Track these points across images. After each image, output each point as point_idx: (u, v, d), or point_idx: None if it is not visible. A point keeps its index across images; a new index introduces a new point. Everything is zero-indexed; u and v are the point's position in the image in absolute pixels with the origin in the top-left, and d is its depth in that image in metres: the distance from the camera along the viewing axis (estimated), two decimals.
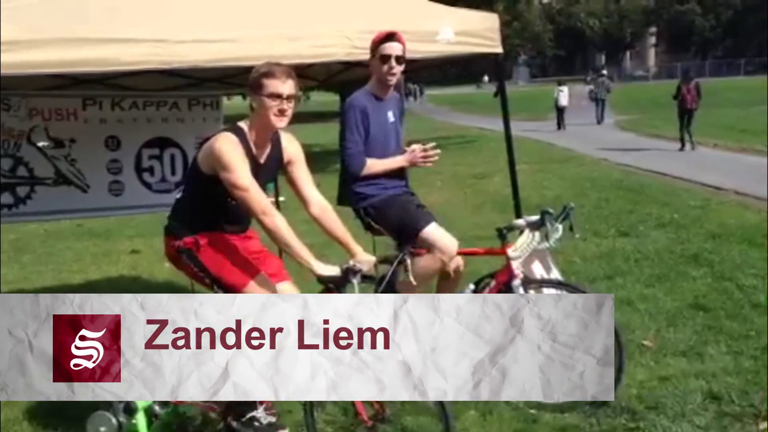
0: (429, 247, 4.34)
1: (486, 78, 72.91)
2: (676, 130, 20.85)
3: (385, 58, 4.33)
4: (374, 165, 4.45)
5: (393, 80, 4.44)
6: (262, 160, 3.67)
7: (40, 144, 5.96)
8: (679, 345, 5.18)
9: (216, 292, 3.65)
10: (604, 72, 36.12)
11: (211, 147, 3.49)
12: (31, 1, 3.86)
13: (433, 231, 4.37)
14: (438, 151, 4.58)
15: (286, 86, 3.52)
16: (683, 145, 19.91)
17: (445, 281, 4.67)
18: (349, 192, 4.56)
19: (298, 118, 3.66)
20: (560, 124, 29.68)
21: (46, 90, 5.79)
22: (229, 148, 3.46)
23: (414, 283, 4.25)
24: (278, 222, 3.41)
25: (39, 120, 5.93)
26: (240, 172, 3.42)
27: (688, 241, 8.52)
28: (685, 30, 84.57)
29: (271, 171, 3.83)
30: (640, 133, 25.61)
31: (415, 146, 4.56)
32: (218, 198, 3.56)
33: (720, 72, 73.78)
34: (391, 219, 4.46)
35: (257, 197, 3.43)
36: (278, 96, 3.49)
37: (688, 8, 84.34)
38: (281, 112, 3.52)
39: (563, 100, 29.65)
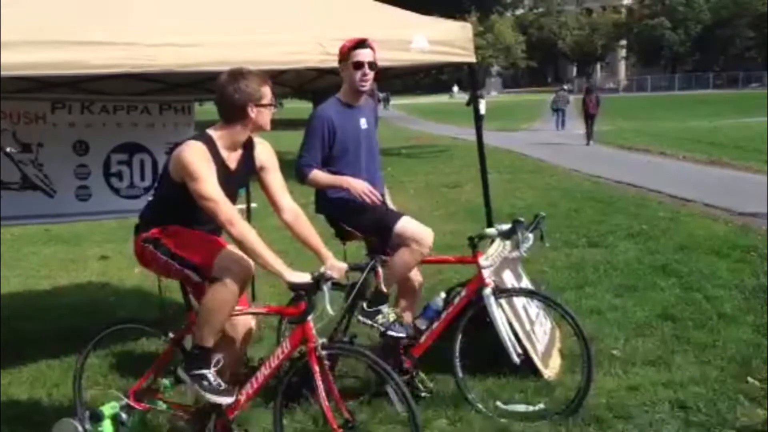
0: (405, 241, 4.32)
1: (456, 87, 73.44)
2: (645, 142, 21.01)
3: (359, 65, 4.32)
4: (317, 177, 4.40)
5: (366, 86, 4.42)
6: (233, 167, 3.63)
7: (8, 149, 5.85)
8: (647, 355, 5.21)
9: (188, 276, 3.58)
10: (565, 87, 42.41)
11: (179, 155, 3.45)
12: None
13: (406, 224, 4.36)
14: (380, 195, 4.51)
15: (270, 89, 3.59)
16: (588, 141, 26.94)
17: (406, 294, 4.70)
18: (322, 198, 4.55)
19: (271, 126, 3.65)
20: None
21: (14, 93, 5.69)
22: (196, 158, 3.41)
23: (385, 291, 4.25)
24: (246, 231, 3.37)
25: (7, 123, 5.82)
26: (206, 183, 3.38)
27: (657, 252, 8.61)
28: (655, 44, 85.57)
29: (242, 178, 3.79)
30: (612, 145, 25.85)
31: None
32: (188, 204, 3.52)
33: (689, 85, 75.12)
34: (363, 221, 4.44)
35: (224, 207, 3.39)
36: (272, 100, 3.58)
37: (658, 22, 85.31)
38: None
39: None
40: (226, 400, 3.58)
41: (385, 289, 4.37)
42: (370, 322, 4.42)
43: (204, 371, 3.58)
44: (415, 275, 4.65)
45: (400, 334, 4.39)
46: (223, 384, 3.60)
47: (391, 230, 4.32)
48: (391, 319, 4.42)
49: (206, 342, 3.58)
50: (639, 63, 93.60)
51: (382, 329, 4.40)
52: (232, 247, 3.55)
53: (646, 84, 78.93)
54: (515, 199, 13.50)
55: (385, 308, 4.42)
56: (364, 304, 4.40)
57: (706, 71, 78.91)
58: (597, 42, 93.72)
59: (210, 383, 3.57)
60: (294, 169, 4.40)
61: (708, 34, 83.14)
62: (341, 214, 4.50)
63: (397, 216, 4.41)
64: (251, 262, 3.50)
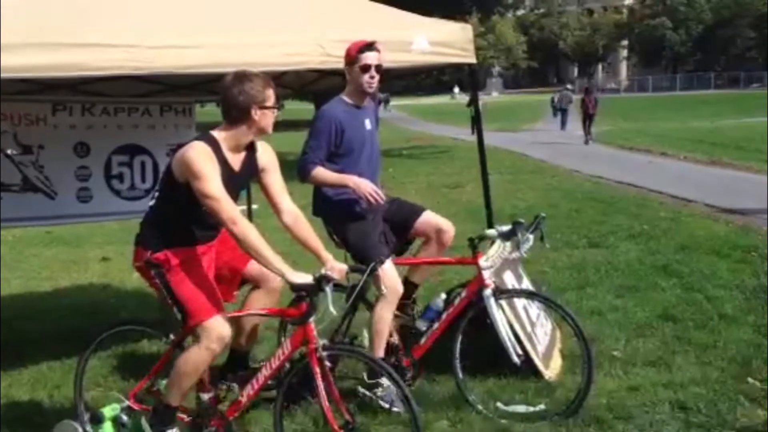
0: (378, 287, 4.28)
1: (457, 89, 73.30)
2: (646, 142, 21.00)
3: (366, 68, 4.31)
4: (321, 175, 4.37)
5: (373, 89, 4.42)
6: (236, 169, 3.64)
7: (9, 151, 5.86)
8: (648, 355, 5.20)
9: (174, 312, 3.62)
10: (568, 86, 42.70)
11: (183, 155, 3.47)
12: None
13: (385, 272, 4.26)
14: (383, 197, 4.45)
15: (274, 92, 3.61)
16: (587, 139, 27.58)
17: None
18: (321, 200, 4.55)
19: (275, 126, 3.67)
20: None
21: (15, 94, 5.69)
22: (200, 157, 3.43)
23: (385, 292, 4.25)
24: (248, 231, 3.39)
25: (7, 125, 5.82)
26: (210, 182, 3.39)
27: (658, 252, 8.60)
28: (657, 44, 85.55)
29: (245, 179, 3.80)
30: (613, 146, 25.84)
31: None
32: (191, 205, 3.53)
33: (691, 85, 75.03)
34: (351, 237, 4.46)
35: (226, 207, 3.40)
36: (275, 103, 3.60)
37: (659, 22, 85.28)
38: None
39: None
40: None
41: (376, 345, 4.40)
42: (369, 394, 4.38)
43: (168, 430, 3.68)
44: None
45: (399, 410, 4.23)
46: None
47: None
48: (393, 392, 4.35)
49: (174, 401, 3.68)
50: (640, 63, 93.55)
51: (382, 403, 4.33)
52: (221, 316, 3.56)
53: (648, 84, 78.85)
54: (516, 199, 13.49)
55: (384, 380, 4.33)
56: (365, 375, 4.39)
57: (708, 71, 78.80)
58: (598, 42, 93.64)
59: None
60: (296, 167, 4.39)
61: (709, 34, 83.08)
62: (335, 220, 4.51)
63: (382, 256, 4.29)
64: (229, 332, 3.57)
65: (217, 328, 3.52)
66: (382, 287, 4.26)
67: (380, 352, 4.41)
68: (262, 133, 3.63)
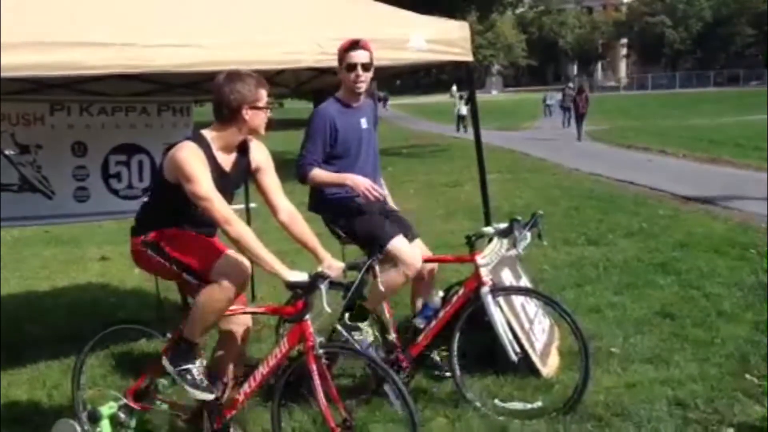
0: (393, 261, 4.30)
1: (455, 87, 72.95)
2: (645, 140, 21.01)
3: (352, 67, 4.30)
4: (319, 176, 4.36)
5: (361, 88, 4.40)
6: (228, 169, 3.63)
7: (7, 152, 5.86)
8: (645, 352, 5.21)
9: (186, 279, 3.60)
10: (570, 84, 43.48)
11: (173, 156, 3.45)
12: None
13: (398, 245, 4.32)
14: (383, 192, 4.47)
15: (266, 92, 3.59)
16: (579, 137, 28.14)
17: (420, 283, 4.66)
18: (318, 198, 4.54)
19: (270, 126, 3.66)
20: (459, 128, 35.60)
21: (13, 94, 5.70)
22: (190, 159, 3.41)
23: (382, 290, 4.25)
24: (242, 231, 3.38)
25: (6, 125, 5.83)
26: (201, 183, 3.38)
27: (657, 249, 8.60)
28: (656, 42, 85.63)
29: (238, 179, 3.79)
30: (612, 144, 25.85)
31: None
32: (183, 205, 3.52)
33: (690, 83, 75.09)
34: (357, 230, 4.44)
35: (219, 207, 3.39)
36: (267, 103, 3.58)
37: (658, 20, 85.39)
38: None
39: (463, 110, 35.33)
40: (206, 397, 3.62)
41: (370, 306, 4.40)
42: (346, 335, 4.40)
43: (189, 366, 3.62)
44: (424, 266, 4.59)
45: (371, 356, 4.23)
46: (205, 381, 3.63)
47: (383, 248, 4.29)
48: (369, 339, 4.39)
49: (194, 338, 3.63)
50: (639, 61, 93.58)
51: (357, 347, 4.34)
52: (230, 252, 3.54)
53: (647, 82, 78.91)
54: (515, 197, 13.49)
55: (364, 326, 4.37)
56: (347, 316, 4.39)
57: (707, 69, 78.87)
58: (597, 40, 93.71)
59: (193, 378, 3.61)
60: (296, 169, 4.39)
61: (708, 32, 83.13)
62: (336, 216, 4.50)
63: (392, 234, 4.35)
64: (249, 265, 3.51)
65: (233, 263, 3.48)
66: (399, 267, 4.28)
67: (373, 307, 4.44)
68: (253, 133, 3.62)
